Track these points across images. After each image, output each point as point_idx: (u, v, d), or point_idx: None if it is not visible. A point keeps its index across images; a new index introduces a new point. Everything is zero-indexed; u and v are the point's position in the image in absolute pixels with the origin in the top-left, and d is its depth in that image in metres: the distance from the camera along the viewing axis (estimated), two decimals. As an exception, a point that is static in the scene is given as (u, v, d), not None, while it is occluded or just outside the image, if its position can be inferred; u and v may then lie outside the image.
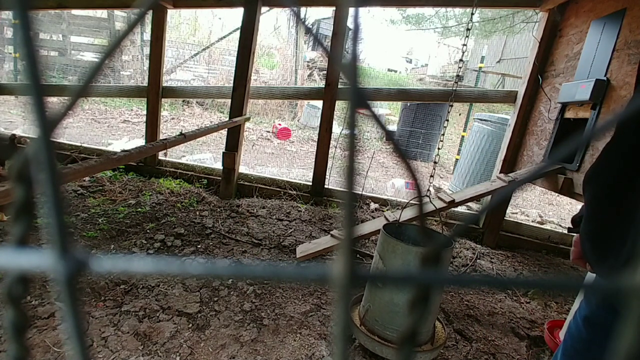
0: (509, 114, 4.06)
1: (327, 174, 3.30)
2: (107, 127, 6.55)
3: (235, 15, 12.20)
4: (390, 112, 9.85)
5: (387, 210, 3.10)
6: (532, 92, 2.81)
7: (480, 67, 7.96)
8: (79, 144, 3.79)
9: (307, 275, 0.14)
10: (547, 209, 5.26)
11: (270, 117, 8.60)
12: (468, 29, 2.19)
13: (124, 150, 1.54)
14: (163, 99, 3.63)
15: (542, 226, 3.41)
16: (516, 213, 4.42)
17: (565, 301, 2.33)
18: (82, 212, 2.59)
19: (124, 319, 1.62)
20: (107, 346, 1.46)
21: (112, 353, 1.44)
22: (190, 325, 1.66)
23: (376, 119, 0.14)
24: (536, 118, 2.75)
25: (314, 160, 3.25)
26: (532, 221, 3.94)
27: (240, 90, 3.12)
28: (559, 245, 3.02)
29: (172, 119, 7.59)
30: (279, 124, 7.61)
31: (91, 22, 8.58)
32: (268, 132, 7.58)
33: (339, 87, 3.03)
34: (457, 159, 6.34)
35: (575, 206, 5.61)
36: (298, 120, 8.75)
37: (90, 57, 8.88)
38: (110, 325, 1.58)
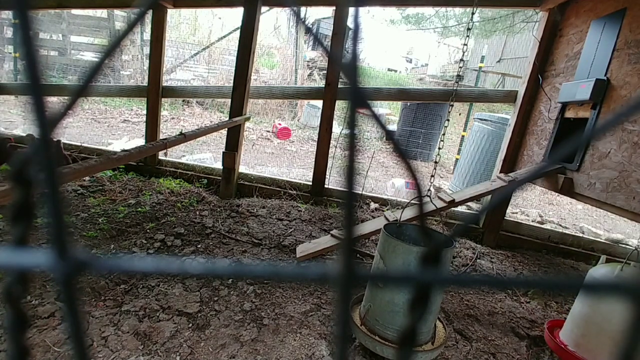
0: (509, 114, 4.06)
1: (327, 173, 3.30)
2: (107, 127, 6.55)
3: (235, 15, 12.18)
4: (390, 111, 9.85)
5: (387, 210, 3.10)
6: (532, 92, 2.81)
7: (480, 67, 7.96)
8: (79, 144, 3.79)
9: (307, 275, 0.14)
10: (547, 209, 5.26)
11: (270, 117, 8.60)
12: (468, 29, 2.18)
13: (124, 150, 1.54)
14: (163, 99, 3.63)
15: (542, 226, 3.41)
16: (516, 213, 4.42)
17: (565, 301, 2.33)
18: (82, 212, 2.59)
19: (124, 319, 1.63)
20: (107, 346, 1.47)
21: (112, 353, 1.44)
22: (191, 324, 1.66)
23: (376, 118, 0.14)
24: (536, 118, 2.75)
25: (314, 160, 3.25)
26: (532, 221, 3.94)
27: (240, 90, 3.12)
28: (559, 245, 3.02)
29: (172, 118, 7.59)
30: (279, 124, 7.61)
31: (91, 22, 8.58)
32: (268, 131, 7.58)
33: (339, 86, 3.03)
34: (457, 159, 6.34)
35: (576, 206, 5.61)
36: (298, 120, 8.75)
37: (90, 56, 8.87)
38: (110, 325, 1.58)
